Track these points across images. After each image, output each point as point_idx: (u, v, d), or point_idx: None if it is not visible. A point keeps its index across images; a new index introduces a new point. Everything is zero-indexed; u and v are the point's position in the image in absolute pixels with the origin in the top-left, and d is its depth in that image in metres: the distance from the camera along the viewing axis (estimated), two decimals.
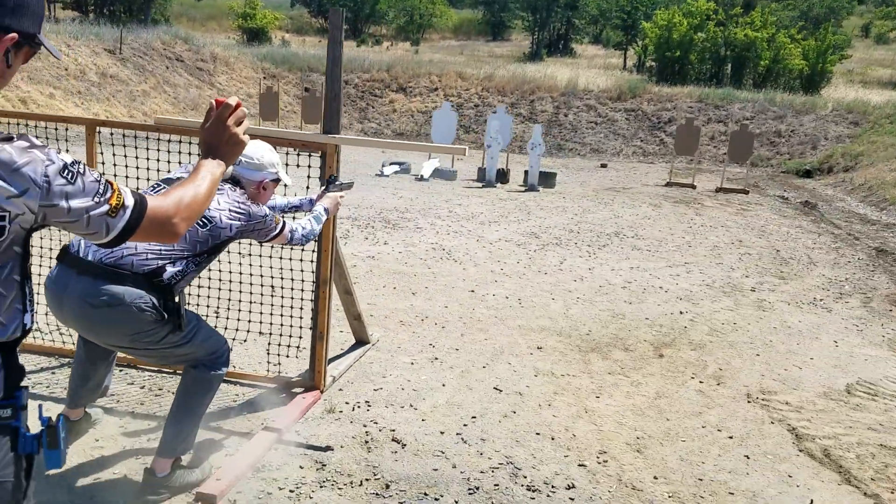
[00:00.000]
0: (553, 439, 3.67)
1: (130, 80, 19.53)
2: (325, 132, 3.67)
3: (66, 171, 1.46)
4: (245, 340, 4.25)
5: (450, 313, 5.47)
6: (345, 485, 3.08)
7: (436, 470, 3.26)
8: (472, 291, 6.09)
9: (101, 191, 1.51)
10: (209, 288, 4.19)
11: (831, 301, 6.81)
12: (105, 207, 1.52)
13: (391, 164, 14.01)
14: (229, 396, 3.78)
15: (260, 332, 4.22)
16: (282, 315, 4.14)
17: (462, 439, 3.56)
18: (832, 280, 7.64)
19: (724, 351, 5.20)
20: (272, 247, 4.11)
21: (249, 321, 4.27)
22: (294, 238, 3.18)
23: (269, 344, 4.18)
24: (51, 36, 18.73)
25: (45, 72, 16.82)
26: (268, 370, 4.00)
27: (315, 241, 3.42)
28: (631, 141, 24.32)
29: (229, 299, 4.34)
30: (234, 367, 4.04)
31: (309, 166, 4.10)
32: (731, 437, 3.88)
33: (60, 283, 2.62)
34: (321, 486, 3.05)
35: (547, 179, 13.74)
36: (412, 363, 4.45)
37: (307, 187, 3.96)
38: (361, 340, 4.56)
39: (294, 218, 3.40)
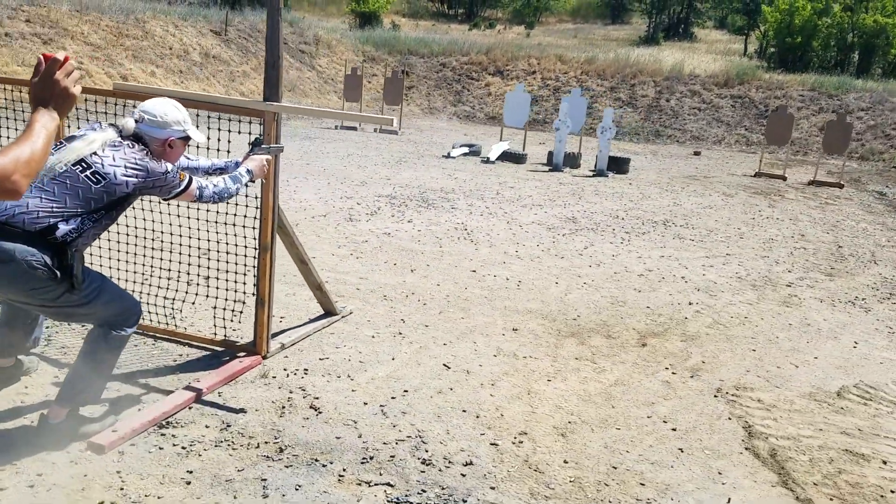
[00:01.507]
0: (478, 417, 3.63)
1: (232, 61, 20.39)
2: (265, 99, 3.73)
3: None
4: (194, 303, 4.43)
5: (439, 291, 5.47)
6: (240, 446, 3.17)
7: (338, 438, 3.30)
8: (474, 272, 6.05)
9: None
10: (161, 251, 4.39)
11: (875, 301, 6.34)
12: None
13: (461, 145, 14.01)
14: (171, 356, 3.94)
15: (207, 296, 4.38)
16: (236, 281, 4.28)
17: (382, 411, 3.58)
18: (887, 280, 7.09)
19: (716, 344, 4.95)
20: (208, 209, 4.24)
21: (198, 284, 4.45)
22: (203, 195, 3.23)
23: (215, 308, 4.33)
24: (160, 17, 19.83)
25: (150, 51, 17.83)
26: (215, 333, 4.14)
27: (228, 202, 3.46)
28: (735, 129, 23.27)
29: (180, 263, 4.51)
30: (185, 328, 4.22)
31: (250, 132, 4.18)
32: (674, 430, 3.71)
33: None
34: (216, 446, 3.15)
35: (619, 165, 13.39)
36: (373, 336, 4.49)
37: (228, 151, 4.05)
38: (329, 311, 4.64)
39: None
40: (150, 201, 3.82)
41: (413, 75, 27.18)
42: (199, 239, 4.47)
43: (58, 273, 2.77)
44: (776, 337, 5.20)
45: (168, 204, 3.55)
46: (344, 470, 3.07)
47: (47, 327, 3.96)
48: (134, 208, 3.72)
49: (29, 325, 3.28)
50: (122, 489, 2.80)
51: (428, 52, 28.64)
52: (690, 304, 5.76)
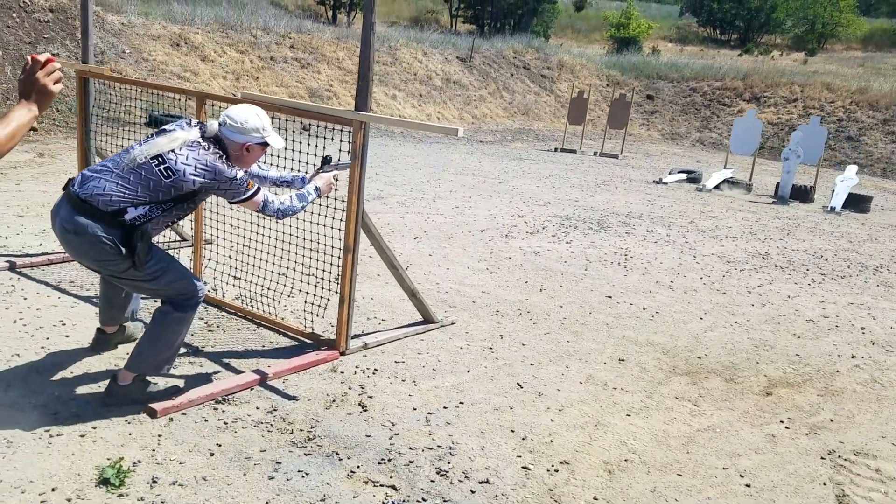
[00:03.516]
0: (524, 440, 3.48)
1: (471, 86, 21.26)
2: (355, 109, 3.90)
3: None
4: (290, 295, 4.74)
5: (558, 312, 5.29)
6: (276, 429, 3.34)
7: (368, 437, 3.35)
8: (609, 297, 5.77)
9: None
10: (286, 243, 4.73)
11: None
12: None
13: (678, 171, 13.36)
14: (264, 341, 4.24)
15: (299, 290, 4.65)
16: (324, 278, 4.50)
17: (427, 419, 3.57)
18: None
19: (860, 403, 4.28)
20: (334, 217, 4.48)
21: (305, 282, 4.72)
22: (267, 209, 3.40)
23: (305, 301, 4.59)
24: (412, 44, 21.26)
25: (396, 76, 19.19)
26: (305, 325, 4.39)
27: (291, 217, 3.58)
28: None
29: (283, 255, 4.81)
30: (283, 318, 4.52)
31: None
32: (747, 486, 3.29)
33: (55, 208, 3.21)
34: (255, 426, 3.35)
35: (859, 203, 11.96)
36: (461, 348, 4.48)
37: (339, 159, 4.23)
38: (427, 318, 4.70)
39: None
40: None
41: (658, 100, 26.42)
42: (320, 242, 4.79)
43: (123, 250, 3.13)
44: None
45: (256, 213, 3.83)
46: (358, 467, 3.11)
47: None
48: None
49: (124, 298, 3.73)
50: (153, 451, 3.08)
51: (678, 76, 27.67)
52: (853, 357, 5.01)
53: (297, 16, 27.30)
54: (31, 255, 5.25)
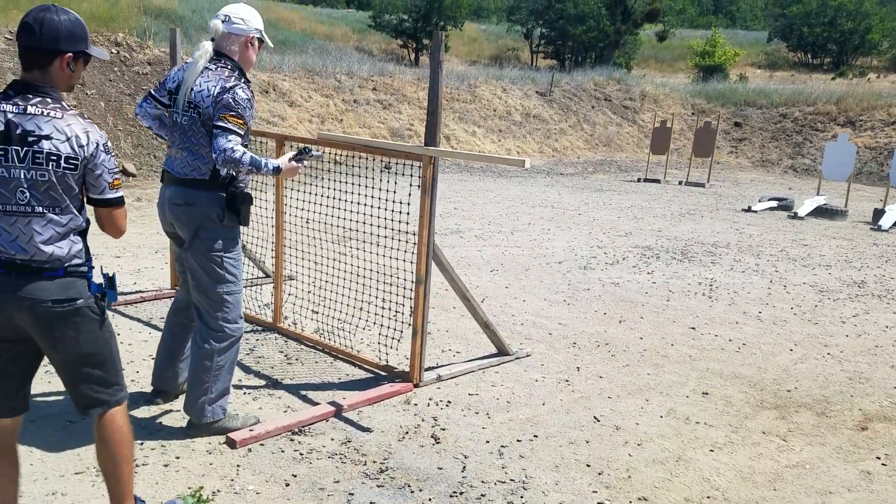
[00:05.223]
0: (600, 475, 3.40)
1: (551, 120, 21.25)
2: (425, 144, 3.96)
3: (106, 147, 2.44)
4: (366, 328, 4.79)
5: (637, 344, 5.17)
6: (349, 461, 3.37)
7: (440, 469, 3.34)
8: (693, 329, 5.59)
9: (115, 170, 2.45)
10: (360, 276, 4.79)
11: None
12: (112, 179, 2.45)
13: (769, 199, 12.92)
14: (340, 373, 4.31)
15: (374, 323, 4.68)
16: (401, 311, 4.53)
17: (500, 452, 3.53)
18: None
19: None
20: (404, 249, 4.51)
21: (370, 312, 4.74)
22: (234, 150, 3.16)
23: (380, 335, 4.62)
24: (491, 81, 21.52)
25: (475, 113, 19.37)
26: (379, 358, 4.43)
27: (249, 170, 3.30)
28: None
29: (360, 289, 4.87)
30: (359, 350, 4.58)
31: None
32: None
33: (161, 194, 3.40)
34: (329, 457, 3.39)
35: None
36: (536, 380, 4.43)
37: (409, 194, 4.29)
38: (501, 350, 4.67)
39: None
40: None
41: (747, 127, 25.72)
42: (395, 275, 4.85)
43: (226, 215, 3.28)
44: None
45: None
46: (429, 499, 3.10)
47: None
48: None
49: (183, 361, 3.74)
50: (232, 480, 3.16)
51: (766, 102, 26.91)
52: None
53: (380, 59, 28.06)
54: (126, 294, 5.51)
